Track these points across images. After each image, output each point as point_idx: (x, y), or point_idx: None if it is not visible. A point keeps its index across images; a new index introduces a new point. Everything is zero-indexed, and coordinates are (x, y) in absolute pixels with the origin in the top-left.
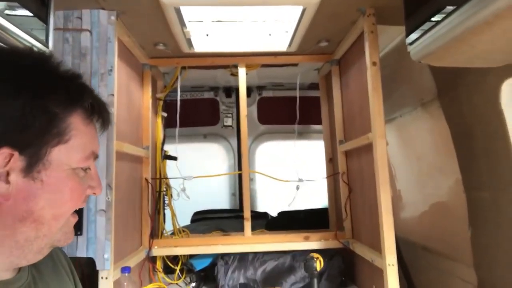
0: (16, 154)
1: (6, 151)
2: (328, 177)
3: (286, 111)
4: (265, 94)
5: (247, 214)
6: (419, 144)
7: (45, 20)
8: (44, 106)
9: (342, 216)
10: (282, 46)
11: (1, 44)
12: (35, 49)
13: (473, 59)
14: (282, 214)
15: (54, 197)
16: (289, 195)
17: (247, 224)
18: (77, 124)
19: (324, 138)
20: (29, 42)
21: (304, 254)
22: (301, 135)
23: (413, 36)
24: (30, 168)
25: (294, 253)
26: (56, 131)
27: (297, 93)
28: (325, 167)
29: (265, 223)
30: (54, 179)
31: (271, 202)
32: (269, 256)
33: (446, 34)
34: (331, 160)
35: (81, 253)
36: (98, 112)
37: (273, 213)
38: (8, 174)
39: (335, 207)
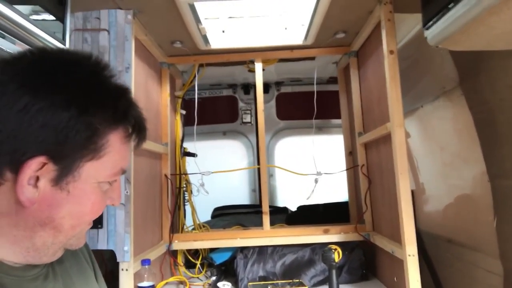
0: (50, 164)
1: (41, 159)
2: (347, 169)
3: (304, 106)
4: (284, 90)
5: (265, 208)
6: (442, 134)
7: (62, 20)
8: (89, 122)
9: (362, 209)
10: (298, 40)
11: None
12: (93, 56)
13: (493, 42)
14: (301, 208)
15: (76, 208)
16: (309, 190)
17: (266, 218)
18: (114, 142)
19: (343, 132)
20: (48, 42)
21: (324, 247)
22: (320, 130)
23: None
24: (60, 179)
25: (313, 246)
26: (93, 147)
27: (315, 88)
28: (344, 161)
29: (285, 217)
30: (80, 191)
31: (291, 198)
32: (288, 250)
33: (463, 16)
34: (350, 154)
35: (102, 245)
36: (137, 131)
37: (293, 208)
38: (37, 179)
39: (355, 200)
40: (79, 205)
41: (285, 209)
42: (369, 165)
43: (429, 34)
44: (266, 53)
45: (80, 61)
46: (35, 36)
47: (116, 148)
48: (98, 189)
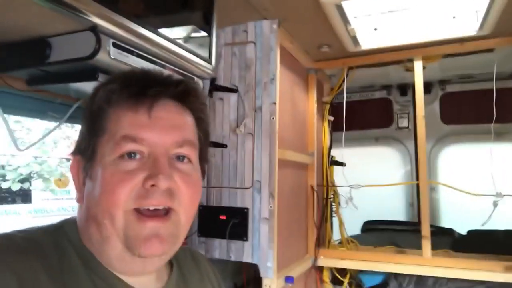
0: (80, 157)
1: (76, 157)
2: None
3: (478, 107)
4: (450, 89)
5: (425, 231)
6: None
7: (209, 38)
8: (90, 108)
9: None
10: (471, 30)
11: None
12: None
13: None
14: (473, 233)
15: (97, 192)
16: (483, 211)
17: (426, 243)
18: (110, 114)
19: None
20: (196, 63)
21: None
22: (500, 136)
23: None
24: (87, 168)
25: (488, 285)
26: (97, 126)
27: (494, 85)
28: None
29: (451, 241)
30: (98, 173)
31: (458, 217)
32: (455, 284)
33: None
34: None
35: (247, 258)
36: (124, 87)
37: (461, 230)
38: (83, 178)
39: None
40: (98, 188)
41: (450, 231)
42: None
43: None
44: (427, 49)
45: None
46: (182, 58)
47: (114, 119)
48: (114, 168)
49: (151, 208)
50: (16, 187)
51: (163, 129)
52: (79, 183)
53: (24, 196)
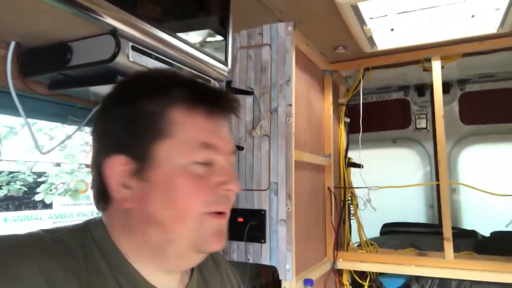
0: (127, 159)
1: (118, 157)
2: None
3: (499, 107)
4: (469, 88)
5: (447, 233)
6: None
7: (225, 41)
8: (140, 107)
9: None
10: (491, 28)
11: (191, 69)
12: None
13: None
14: (496, 235)
15: (167, 197)
16: (507, 212)
17: (448, 246)
18: (177, 118)
19: None
20: (212, 65)
21: None
22: None
23: None
24: (141, 170)
25: None
26: (156, 128)
27: None
28: None
29: (474, 243)
30: (163, 177)
31: (481, 219)
32: (479, 287)
33: None
34: None
35: (265, 260)
36: (197, 95)
37: (484, 232)
38: (126, 179)
39: None
40: (168, 192)
41: (473, 233)
42: None
43: None
44: (445, 48)
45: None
46: (199, 61)
47: (183, 123)
48: (186, 172)
49: (222, 211)
50: (49, 199)
51: (226, 137)
52: (118, 184)
53: (45, 202)
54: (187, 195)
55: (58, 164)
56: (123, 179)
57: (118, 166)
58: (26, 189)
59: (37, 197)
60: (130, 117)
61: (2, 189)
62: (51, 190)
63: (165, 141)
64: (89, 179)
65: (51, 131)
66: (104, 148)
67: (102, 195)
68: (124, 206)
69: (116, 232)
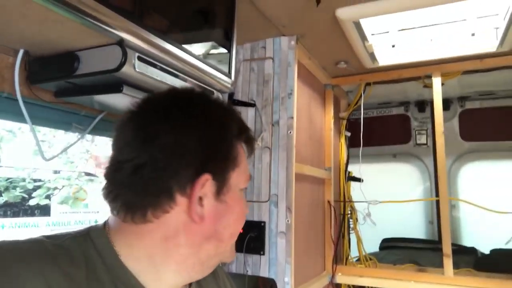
0: (211, 180)
1: (205, 177)
2: None
3: (499, 124)
4: (469, 105)
5: (446, 249)
6: None
7: (229, 54)
8: (227, 135)
9: None
10: (490, 47)
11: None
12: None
13: None
14: (496, 252)
15: (232, 217)
16: (507, 230)
17: (447, 262)
18: (242, 152)
19: None
20: (216, 77)
21: None
22: None
23: None
24: (220, 192)
25: None
26: (233, 157)
27: None
28: None
29: (473, 261)
30: (233, 200)
31: (480, 236)
32: None
33: None
34: None
35: (264, 273)
36: (251, 141)
37: (483, 249)
38: (202, 198)
39: None
40: (233, 213)
41: (473, 250)
42: None
43: None
44: (446, 65)
45: (202, 92)
46: (203, 72)
47: (243, 157)
48: (241, 196)
49: None
50: (43, 203)
51: None
52: (196, 200)
53: (43, 209)
54: (242, 215)
55: (57, 172)
56: (204, 197)
57: (208, 186)
58: (26, 196)
59: (32, 202)
60: (218, 142)
61: (2, 196)
62: (48, 196)
63: (234, 170)
64: (88, 187)
65: (44, 136)
66: (185, 164)
67: (154, 206)
68: (197, 221)
69: (140, 242)
